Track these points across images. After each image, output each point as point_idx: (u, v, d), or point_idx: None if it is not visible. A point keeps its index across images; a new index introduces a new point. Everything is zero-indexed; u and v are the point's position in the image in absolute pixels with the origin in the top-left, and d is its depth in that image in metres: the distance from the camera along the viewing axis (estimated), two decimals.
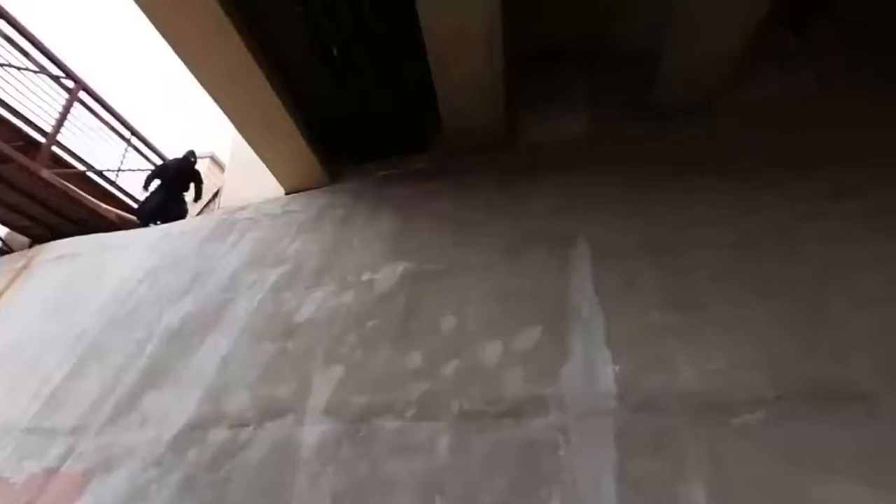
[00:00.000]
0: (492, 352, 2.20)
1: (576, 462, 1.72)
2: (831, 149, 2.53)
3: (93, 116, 5.66)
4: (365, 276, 2.93)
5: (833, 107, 2.84)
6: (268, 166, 4.10)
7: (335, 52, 3.64)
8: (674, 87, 3.36)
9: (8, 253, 5.00)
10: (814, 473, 1.51)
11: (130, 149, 6.21)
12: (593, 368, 1.97)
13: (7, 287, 4.27)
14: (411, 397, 2.14)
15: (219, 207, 4.96)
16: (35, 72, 4.99)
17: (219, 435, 2.33)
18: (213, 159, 7.65)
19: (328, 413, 2.21)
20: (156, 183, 5.69)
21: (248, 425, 2.31)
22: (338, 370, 2.40)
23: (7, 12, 4.67)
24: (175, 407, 2.57)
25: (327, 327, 2.67)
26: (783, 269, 2.04)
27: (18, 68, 4.85)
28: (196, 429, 2.41)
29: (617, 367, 1.94)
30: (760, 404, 1.66)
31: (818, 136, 2.64)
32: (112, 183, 6.03)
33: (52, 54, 5.08)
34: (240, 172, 4.68)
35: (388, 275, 2.87)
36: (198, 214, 6.24)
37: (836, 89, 3.07)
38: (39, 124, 5.11)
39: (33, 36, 4.91)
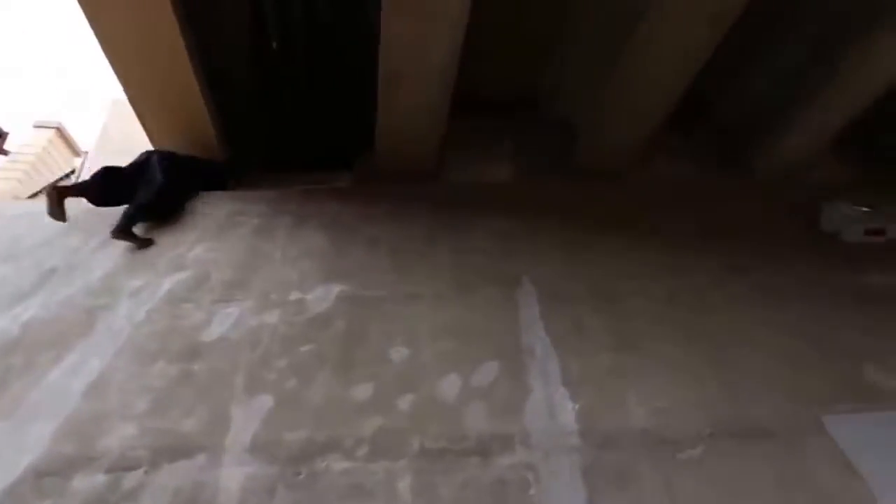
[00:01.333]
0: (450, 386, 2.10)
1: (547, 501, 1.69)
2: (722, 224, 3.10)
3: None
4: (293, 296, 2.60)
5: (711, 190, 3.50)
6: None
7: (274, 45, 3.37)
8: (591, 157, 3.81)
9: None
10: (746, 502, 1.71)
11: None
12: (554, 406, 2.00)
13: None
14: (363, 433, 1.90)
15: None
16: None
17: (88, 482, 1.77)
18: (60, 132, 6.25)
19: (256, 452, 1.85)
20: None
21: (136, 468, 1.80)
22: (265, 401, 2.04)
23: None
24: (11, 444, 1.90)
25: (248, 350, 2.27)
26: (703, 323, 2.37)
27: None
28: (48, 475, 1.80)
29: (576, 406, 2.00)
30: (700, 440, 1.86)
31: (711, 212, 3.22)
32: None
33: None
34: (114, 153, 3.89)
35: (321, 296, 2.60)
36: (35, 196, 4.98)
37: (710, 176, 3.82)
38: None
39: None
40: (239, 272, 2.76)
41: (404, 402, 2.03)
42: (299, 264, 2.84)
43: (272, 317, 2.46)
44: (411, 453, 1.84)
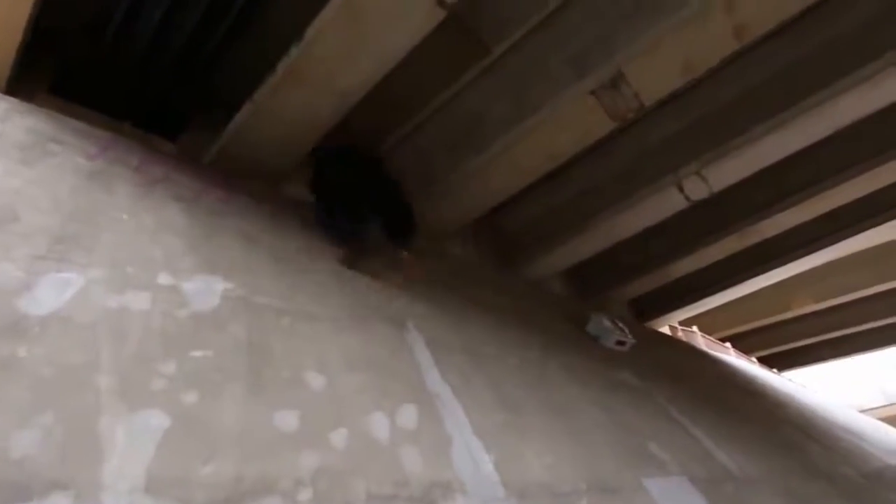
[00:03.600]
0: (379, 424, 1.90)
1: None
2: (521, 313, 3.86)
3: None
4: (164, 279, 1.91)
5: (510, 284, 4.33)
6: None
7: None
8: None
9: None
10: None
11: None
12: (475, 456, 2.06)
13: None
14: (300, 473, 1.52)
15: None
16: None
17: None
18: None
19: (154, 492, 1.24)
20: None
21: None
22: (159, 419, 1.41)
23: None
24: None
25: (110, 340, 1.54)
26: (549, 392, 2.87)
27: None
28: None
29: (492, 457, 2.11)
30: (581, 494, 2.22)
31: (516, 300, 3.96)
32: None
33: None
34: None
35: (203, 290, 1.99)
36: None
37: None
38: None
39: None
40: (70, 224, 1.87)
41: (338, 438, 1.73)
42: (161, 238, 2.13)
43: (141, 301, 1.74)
44: (360, 501, 1.57)
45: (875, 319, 10.61)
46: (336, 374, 2.02)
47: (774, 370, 10.28)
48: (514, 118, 3.68)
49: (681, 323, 8.14)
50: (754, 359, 10.06)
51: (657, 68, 3.55)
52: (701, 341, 8.33)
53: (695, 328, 8.52)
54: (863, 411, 11.37)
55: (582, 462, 2.43)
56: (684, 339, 8.04)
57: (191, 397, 1.53)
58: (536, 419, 2.55)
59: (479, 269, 4.51)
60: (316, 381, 1.92)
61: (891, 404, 15.30)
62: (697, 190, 4.74)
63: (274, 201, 3.10)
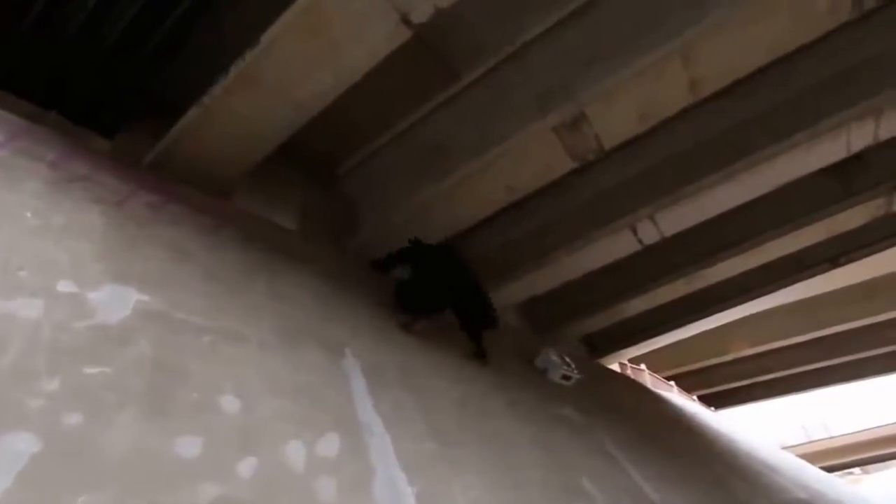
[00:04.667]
0: (295, 453, 1.77)
1: None
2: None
3: None
4: (64, 286, 1.74)
5: None
6: None
7: None
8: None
9: None
10: None
11: None
12: (397, 488, 1.94)
13: None
14: None
15: None
16: None
17: None
18: None
19: None
20: None
21: None
22: (26, 443, 1.23)
23: None
24: None
25: None
26: (494, 427, 2.79)
27: None
28: None
29: (415, 489, 1.99)
30: None
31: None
32: None
33: None
34: None
35: (111, 301, 1.82)
36: None
37: None
38: None
39: None
40: None
41: (245, 468, 1.58)
42: (68, 242, 1.95)
43: (31, 308, 1.57)
44: None
45: (804, 364, 11.47)
46: (255, 399, 1.87)
47: (712, 408, 10.63)
48: (477, 148, 3.66)
49: (630, 360, 8.29)
50: (695, 397, 10.38)
51: (617, 112, 3.66)
52: (648, 379, 8.48)
53: (643, 366, 8.69)
54: (785, 448, 11.94)
55: (511, 496, 2.35)
56: (632, 376, 8.17)
57: (73, 419, 1.36)
58: (470, 452, 2.46)
59: None
60: (231, 405, 1.77)
61: (810, 442, 16.40)
62: (649, 234, 4.89)
63: (216, 213, 2.91)
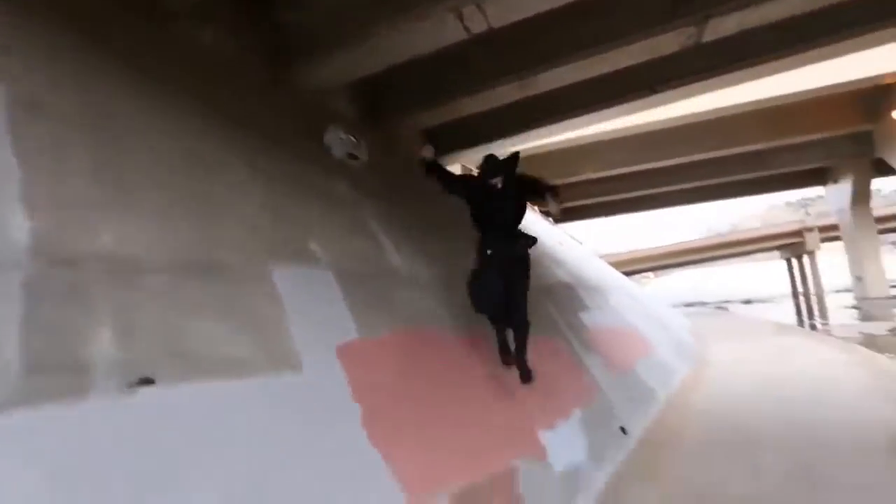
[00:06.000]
0: None
1: None
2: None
3: None
4: None
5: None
6: None
7: None
8: None
9: None
10: (189, 316, 2.11)
11: None
12: (5, 221, 1.78)
13: None
14: None
15: None
16: None
17: None
18: None
19: None
20: None
21: None
22: None
23: None
24: None
25: None
26: (222, 183, 2.65)
27: None
28: None
29: (33, 224, 1.84)
30: (164, 271, 2.10)
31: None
32: None
33: None
34: None
35: None
36: None
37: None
38: None
39: None
40: None
41: None
42: None
43: None
44: None
45: (634, 190, 14.00)
46: None
47: (549, 220, 11.96)
48: None
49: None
50: (536, 209, 11.36)
51: None
52: None
53: None
54: (600, 255, 14.61)
55: (198, 244, 2.33)
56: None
57: None
58: (156, 200, 2.31)
59: (242, 70, 3.87)
60: None
61: (618, 253, 21.85)
62: (476, 21, 4.47)
63: None
